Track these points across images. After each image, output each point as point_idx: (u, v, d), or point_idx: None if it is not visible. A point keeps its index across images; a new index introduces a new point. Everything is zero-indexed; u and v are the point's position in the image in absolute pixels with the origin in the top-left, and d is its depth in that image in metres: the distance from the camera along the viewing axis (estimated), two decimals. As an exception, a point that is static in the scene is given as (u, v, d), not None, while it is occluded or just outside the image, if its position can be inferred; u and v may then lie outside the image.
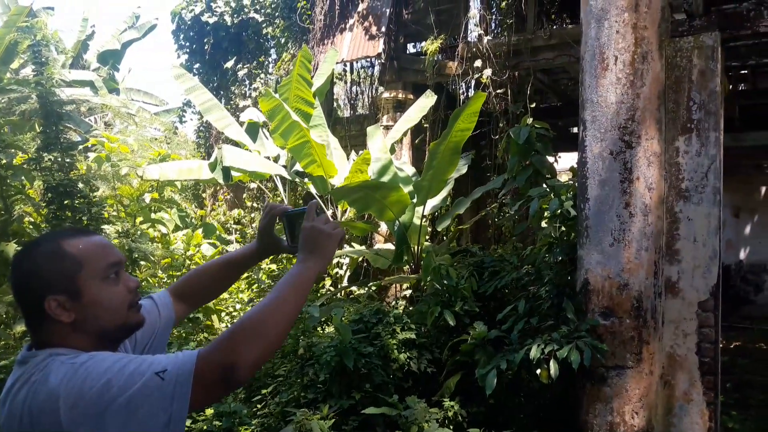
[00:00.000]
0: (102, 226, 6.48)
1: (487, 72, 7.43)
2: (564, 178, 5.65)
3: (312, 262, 1.28)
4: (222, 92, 10.54)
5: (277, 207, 1.56)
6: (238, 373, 1.07)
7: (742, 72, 8.16)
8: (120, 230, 6.85)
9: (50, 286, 1.15)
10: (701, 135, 4.15)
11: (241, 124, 8.75)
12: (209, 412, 4.23)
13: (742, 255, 10.94)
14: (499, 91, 7.51)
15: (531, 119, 5.41)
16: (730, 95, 6.75)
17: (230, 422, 4.11)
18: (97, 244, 1.23)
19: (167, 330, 1.52)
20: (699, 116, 4.16)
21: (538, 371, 3.99)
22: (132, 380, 1.04)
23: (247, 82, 10.41)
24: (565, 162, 9.38)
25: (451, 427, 4.12)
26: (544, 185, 4.97)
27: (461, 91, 8.20)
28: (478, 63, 7.51)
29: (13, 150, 6.58)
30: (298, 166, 7.67)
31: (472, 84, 8.14)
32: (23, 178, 6.53)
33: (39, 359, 1.13)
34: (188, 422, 3.95)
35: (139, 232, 7.17)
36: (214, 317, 7.22)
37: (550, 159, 5.48)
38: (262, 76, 10.34)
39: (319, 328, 5.74)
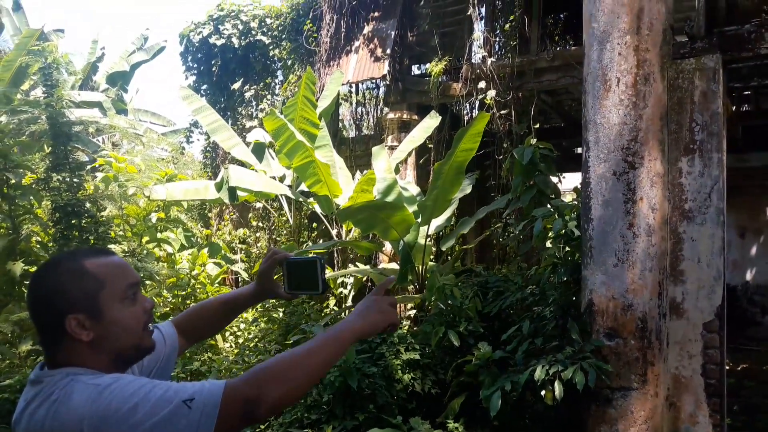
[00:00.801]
0: (108, 246, 6.52)
1: (491, 93, 7.50)
2: (568, 198, 5.66)
3: (358, 324, 1.29)
4: (229, 113, 10.66)
5: (280, 253, 1.58)
6: (259, 409, 1.09)
7: (746, 93, 8.20)
8: (126, 249, 6.90)
9: (71, 305, 1.16)
10: (704, 156, 4.17)
11: (248, 144, 8.83)
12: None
13: (749, 276, 10.87)
14: (503, 111, 7.57)
15: (535, 140, 5.46)
16: (733, 116, 6.78)
17: (233, 443, 4.09)
18: (118, 265, 1.24)
19: (172, 358, 1.53)
20: (701, 137, 4.18)
21: (543, 392, 3.97)
22: (159, 407, 1.04)
23: (253, 103, 10.53)
24: (569, 182, 9.39)
25: (456, 448, 4.09)
26: (548, 205, 4.99)
27: (465, 112, 8.27)
28: (482, 84, 7.59)
29: (21, 170, 6.66)
30: (303, 186, 7.72)
31: (476, 105, 8.21)
32: (31, 197, 6.60)
33: (57, 378, 1.13)
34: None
35: (145, 252, 7.22)
36: (219, 337, 7.23)
37: (554, 179, 5.52)
38: (269, 97, 10.45)
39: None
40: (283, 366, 1.14)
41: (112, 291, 1.20)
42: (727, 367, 4.29)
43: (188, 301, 7.48)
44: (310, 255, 1.57)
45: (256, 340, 7.24)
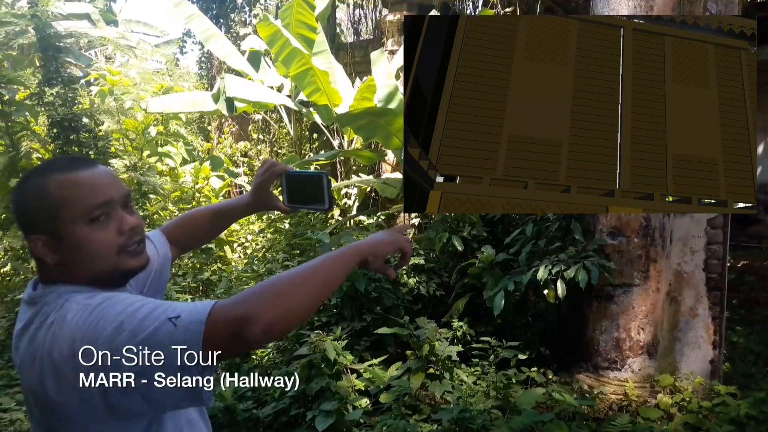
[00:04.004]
0: (110, 161, 6.49)
1: (495, -10, 7.17)
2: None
3: (362, 244, 1.22)
4: (222, 20, 10.26)
5: (278, 165, 1.49)
6: (251, 329, 0.98)
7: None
8: (128, 164, 6.87)
9: (33, 226, 1.10)
10: (716, 48, 4.01)
11: (243, 53, 8.56)
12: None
13: (754, 175, 10.82)
14: (507, 9, 7.26)
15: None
16: (747, 7, 6.49)
17: (246, 346, 4.24)
18: (86, 181, 1.12)
19: (165, 268, 1.47)
20: (714, 29, 4.00)
21: (546, 291, 4.06)
22: (144, 325, 0.99)
23: (246, 8, 10.11)
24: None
25: (460, 345, 4.23)
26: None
27: (469, 11, 7.93)
28: (485, -19, 7.24)
29: (15, 86, 6.50)
30: (302, 96, 7.55)
31: (480, 3, 7.86)
32: (27, 113, 6.49)
33: (51, 299, 1.09)
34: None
35: (147, 166, 7.18)
36: (227, 248, 7.34)
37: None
38: (262, 1, 10.03)
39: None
40: (278, 286, 1.04)
41: (73, 213, 1.10)
42: (728, 264, 4.34)
43: (194, 215, 7.51)
44: (313, 169, 1.50)
45: (264, 250, 7.35)
